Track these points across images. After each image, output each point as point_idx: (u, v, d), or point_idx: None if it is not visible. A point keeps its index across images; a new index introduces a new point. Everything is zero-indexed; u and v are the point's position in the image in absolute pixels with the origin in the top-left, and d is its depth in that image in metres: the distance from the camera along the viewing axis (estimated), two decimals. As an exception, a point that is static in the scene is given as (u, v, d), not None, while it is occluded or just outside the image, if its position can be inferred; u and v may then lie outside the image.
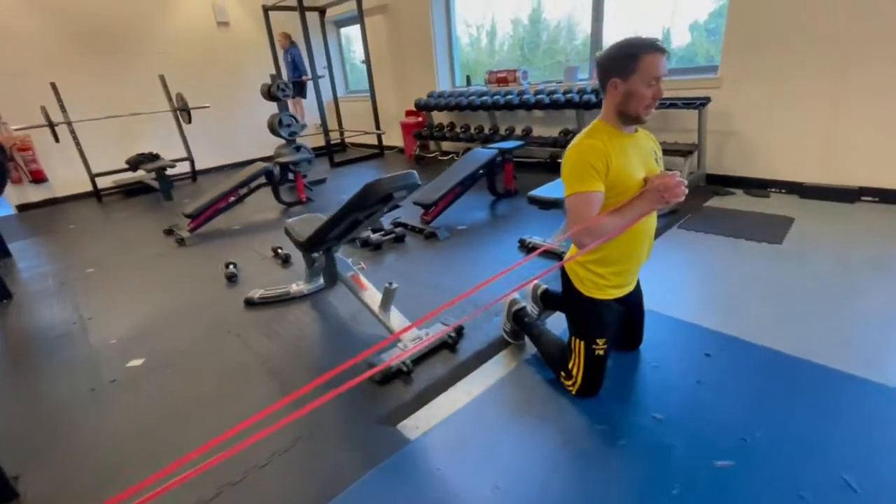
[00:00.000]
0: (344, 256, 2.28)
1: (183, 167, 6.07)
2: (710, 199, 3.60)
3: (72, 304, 2.77)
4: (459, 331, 2.03)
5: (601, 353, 1.51)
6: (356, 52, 7.64)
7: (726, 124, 3.71)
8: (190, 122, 5.82)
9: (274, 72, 6.44)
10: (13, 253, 3.83)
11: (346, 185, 5.32)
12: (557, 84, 4.75)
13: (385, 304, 2.00)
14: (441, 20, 5.78)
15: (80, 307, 2.73)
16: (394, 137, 6.79)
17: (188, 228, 3.82)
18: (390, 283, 1.94)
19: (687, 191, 1.33)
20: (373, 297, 2.09)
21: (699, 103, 3.51)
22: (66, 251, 3.88)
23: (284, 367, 1.95)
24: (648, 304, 1.76)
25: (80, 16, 5.35)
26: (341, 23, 7.47)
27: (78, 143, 5.17)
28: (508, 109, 4.75)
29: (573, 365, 1.56)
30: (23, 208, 5.42)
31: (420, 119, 6.13)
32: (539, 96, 4.46)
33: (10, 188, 5.32)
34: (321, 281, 2.50)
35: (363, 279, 2.17)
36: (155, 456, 1.53)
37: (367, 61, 6.28)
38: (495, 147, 4.01)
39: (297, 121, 5.13)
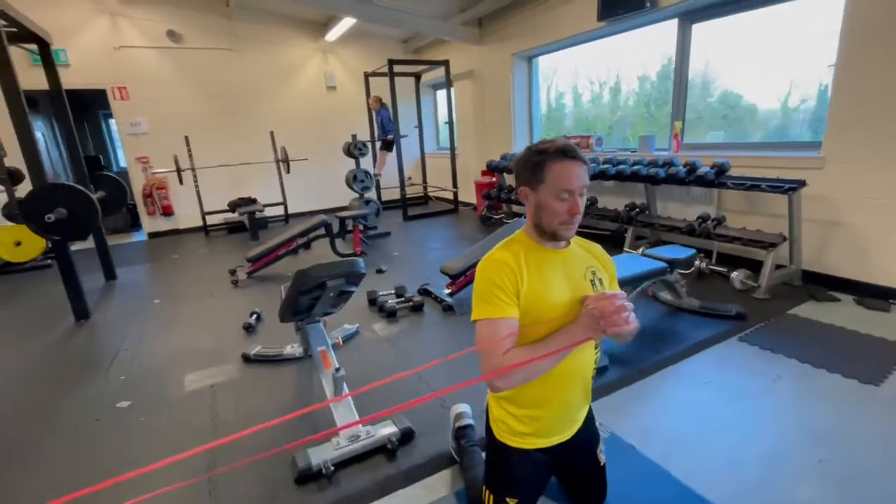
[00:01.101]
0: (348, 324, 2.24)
1: (278, 210, 6.80)
2: (803, 303, 2.87)
3: (123, 334, 3.14)
4: (409, 435, 1.81)
5: (512, 515, 1.20)
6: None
7: (831, 213, 2.99)
8: (289, 171, 6.53)
9: (368, 129, 7.04)
10: (118, 276, 4.54)
11: (410, 239, 5.42)
12: (632, 153, 4.37)
13: (336, 391, 1.88)
14: (522, 84, 5.78)
15: (126, 338, 3.07)
16: (472, 194, 6.83)
17: (247, 271, 4.18)
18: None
19: (634, 320, 1.00)
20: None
21: (788, 187, 2.89)
22: (156, 279, 4.50)
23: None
24: (647, 443, 1.37)
25: (217, 84, 6.46)
26: (437, 86, 7.93)
27: (197, 186, 6.10)
28: (573, 177, 4.45)
29: (483, 521, 1.26)
30: (152, 236, 6.50)
31: (494, 179, 6.08)
32: (605, 166, 4.12)
33: (145, 219, 6.47)
34: (310, 347, 2.48)
35: (330, 357, 2.08)
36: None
37: (450, 122, 6.52)
38: (543, 218, 3.76)
39: (369, 176, 5.44)
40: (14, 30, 3.44)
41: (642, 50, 4.64)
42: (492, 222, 5.83)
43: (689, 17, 3.80)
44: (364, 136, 6.83)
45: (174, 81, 6.27)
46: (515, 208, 5.99)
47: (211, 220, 6.41)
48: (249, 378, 2.43)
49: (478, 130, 6.72)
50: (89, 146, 9.28)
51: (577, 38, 4.76)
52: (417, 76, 7.31)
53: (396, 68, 6.22)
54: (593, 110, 5.63)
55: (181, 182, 6.00)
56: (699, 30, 3.81)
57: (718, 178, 3.32)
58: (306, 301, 1.85)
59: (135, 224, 7.34)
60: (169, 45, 6.12)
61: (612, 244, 4.30)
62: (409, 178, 8.01)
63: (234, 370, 2.52)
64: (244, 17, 6.40)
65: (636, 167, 3.83)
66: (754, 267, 3.22)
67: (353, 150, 5.34)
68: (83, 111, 8.83)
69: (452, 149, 6.61)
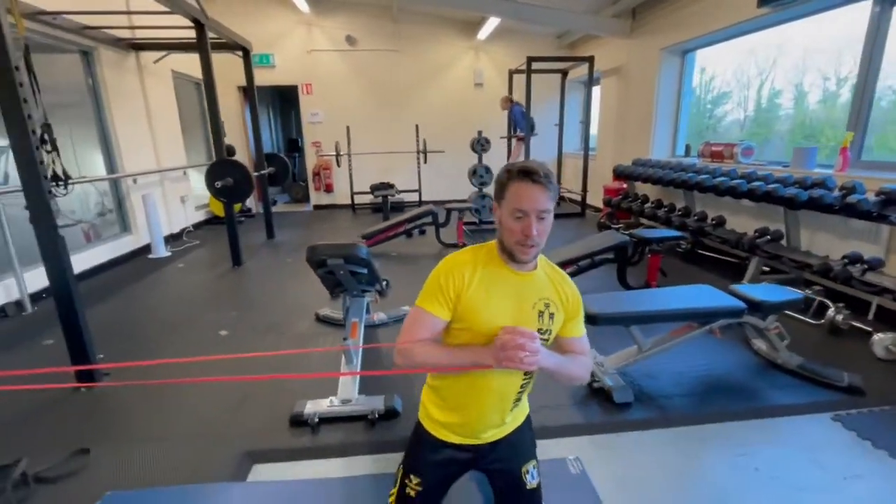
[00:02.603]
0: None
1: (414, 196, 7.45)
2: (979, 397, 2.05)
3: (255, 282, 3.98)
4: (392, 413, 1.96)
5: (412, 493, 1.27)
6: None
7: None
8: (426, 162, 7.10)
9: (506, 126, 7.15)
10: (276, 236, 5.66)
11: (516, 238, 5.41)
12: (782, 168, 3.58)
13: (347, 360, 2.14)
14: (670, 82, 5.15)
15: (257, 284, 3.89)
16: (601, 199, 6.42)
17: (361, 246, 4.78)
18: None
19: (533, 363, 1.02)
20: (354, 348, 2.24)
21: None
22: (299, 242, 5.46)
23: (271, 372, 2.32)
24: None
25: (377, 81, 7.37)
26: (586, 83, 7.53)
27: (350, 169, 7.12)
28: (700, 191, 3.86)
29: (392, 494, 1.35)
30: (316, 208, 7.84)
31: (623, 186, 5.60)
32: (737, 181, 3.46)
33: (313, 193, 7.81)
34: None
35: (359, 330, 2.35)
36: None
37: (586, 122, 6.22)
38: (639, 233, 3.42)
39: (489, 172, 5.59)
40: (223, 40, 4.57)
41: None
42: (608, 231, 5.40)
43: (889, -2, 2.91)
44: (501, 131, 6.97)
45: (346, 79, 7.36)
46: (643, 220, 5.43)
47: (359, 199, 7.40)
48: (312, 334, 2.88)
49: (618, 132, 6.24)
50: (293, 131, 11.49)
51: (736, 30, 4.04)
52: (564, 73, 7.09)
53: (542, 65, 6.16)
54: (822, 112, 4.29)
55: (338, 165, 7.07)
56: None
57: (883, 208, 2.52)
58: (323, 274, 2.13)
59: (308, 197, 8.94)
60: (346, 48, 7.20)
61: (732, 273, 3.62)
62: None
63: (307, 324, 3.00)
64: (407, 19, 7.10)
65: (773, 186, 3.14)
66: (921, 334, 2.38)
67: (477, 146, 5.54)
68: (292, 103, 10.99)
69: (586, 150, 6.31)
